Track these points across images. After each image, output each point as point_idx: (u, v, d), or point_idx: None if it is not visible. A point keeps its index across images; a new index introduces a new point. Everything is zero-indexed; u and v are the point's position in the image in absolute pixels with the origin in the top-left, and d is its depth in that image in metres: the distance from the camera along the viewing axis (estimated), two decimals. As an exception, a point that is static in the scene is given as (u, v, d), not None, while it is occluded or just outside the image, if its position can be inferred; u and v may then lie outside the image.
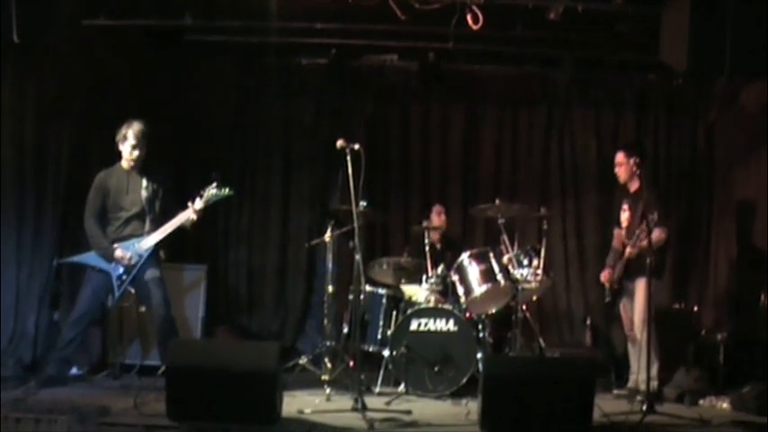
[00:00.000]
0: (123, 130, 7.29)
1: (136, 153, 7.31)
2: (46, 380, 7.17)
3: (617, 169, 7.60)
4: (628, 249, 7.31)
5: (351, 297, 7.78)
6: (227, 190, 7.36)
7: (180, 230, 7.34)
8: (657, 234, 7.18)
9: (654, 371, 7.21)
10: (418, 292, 7.94)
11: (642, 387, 7.21)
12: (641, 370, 7.28)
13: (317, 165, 9.52)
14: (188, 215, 7.26)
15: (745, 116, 8.76)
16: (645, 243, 7.08)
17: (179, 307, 8.04)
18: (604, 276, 7.70)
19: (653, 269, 7.14)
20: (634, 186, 7.55)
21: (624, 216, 7.59)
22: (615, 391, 7.50)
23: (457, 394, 7.26)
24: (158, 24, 8.15)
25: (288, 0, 7.49)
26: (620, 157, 7.59)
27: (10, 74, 7.84)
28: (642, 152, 7.71)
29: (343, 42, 8.83)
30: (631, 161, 7.50)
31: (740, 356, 7.80)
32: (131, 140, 7.28)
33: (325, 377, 7.43)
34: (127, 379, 7.59)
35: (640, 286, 7.29)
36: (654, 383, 7.19)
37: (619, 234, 7.76)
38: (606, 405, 6.81)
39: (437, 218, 8.70)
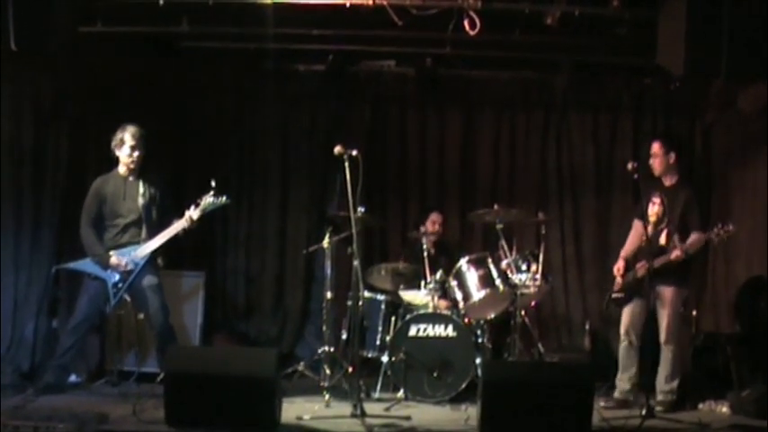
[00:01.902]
0: (119, 135, 7.30)
1: (136, 154, 7.31)
2: (44, 387, 7.18)
3: (651, 160, 7.37)
4: (676, 252, 7.03)
5: (349, 303, 7.77)
6: (223, 198, 7.37)
7: (176, 237, 7.33)
8: (698, 238, 7.10)
9: (675, 384, 7.15)
10: (418, 297, 7.94)
11: (630, 397, 7.23)
12: (631, 377, 7.28)
13: (315, 171, 9.50)
14: (184, 223, 7.26)
15: (743, 119, 8.76)
16: (693, 243, 7.03)
17: (177, 314, 8.03)
18: (618, 268, 7.51)
19: (684, 277, 7.21)
20: (671, 180, 7.37)
21: (653, 210, 7.33)
22: (602, 403, 7.10)
23: (456, 400, 7.26)
24: (155, 31, 8.14)
25: (285, 6, 7.48)
26: (655, 147, 7.37)
27: (7, 81, 7.85)
28: (678, 148, 7.49)
29: (341, 48, 8.82)
30: (668, 154, 7.31)
31: (739, 360, 7.78)
32: (130, 142, 7.28)
33: (324, 383, 7.42)
34: (125, 386, 7.59)
35: (670, 295, 7.15)
36: (673, 397, 7.13)
37: (640, 227, 7.40)
38: (605, 410, 6.83)
39: (431, 226, 8.68)
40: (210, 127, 9.49)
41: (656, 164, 7.37)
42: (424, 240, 8.12)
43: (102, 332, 8.07)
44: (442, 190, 9.66)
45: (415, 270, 8.09)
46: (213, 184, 7.30)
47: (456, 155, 9.70)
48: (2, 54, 6.85)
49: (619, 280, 7.49)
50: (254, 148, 9.63)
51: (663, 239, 7.17)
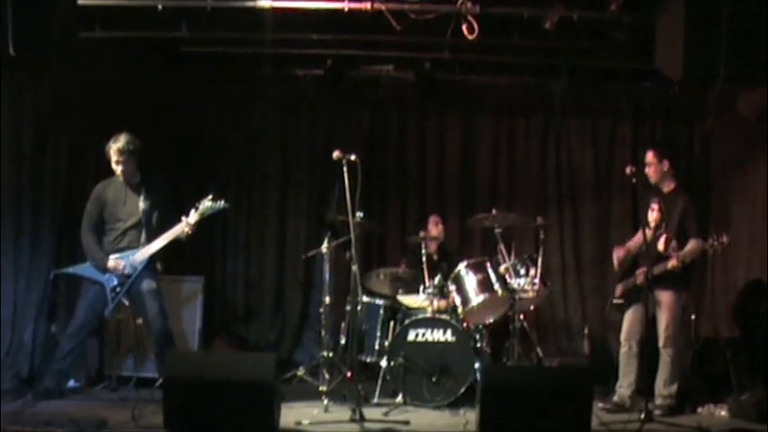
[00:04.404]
0: (107, 148, 7.31)
1: (121, 168, 7.32)
2: (43, 392, 7.18)
3: (647, 169, 7.37)
4: (672, 262, 7.03)
5: (348, 308, 7.76)
6: (222, 202, 7.38)
7: (176, 242, 7.34)
8: (695, 246, 7.09)
9: (674, 389, 7.14)
10: (417, 302, 7.94)
11: (627, 402, 7.22)
12: (631, 384, 7.27)
13: (314, 175, 9.51)
14: (182, 228, 7.26)
15: (742, 124, 8.76)
16: (690, 251, 7.02)
17: (176, 319, 8.04)
18: (617, 256, 7.53)
19: (683, 281, 7.19)
20: (669, 187, 7.38)
21: (652, 216, 7.33)
22: (600, 405, 7.15)
23: (455, 404, 7.26)
24: (154, 36, 8.14)
25: (283, 11, 7.48)
26: (649, 156, 7.39)
27: (7, 86, 7.86)
28: (671, 155, 7.50)
29: (340, 53, 8.82)
30: (662, 161, 7.32)
31: (739, 364, 7.78)
32: (114, 157, 7.30)
33: (322, 388, 7.41)
34: (124, 391, 7.61)
35: (668, 299, 7.16)
36: (672, 401, 7.12)
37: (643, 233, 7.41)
38: (604, 414, 6.84)
39: (434, 228, 8.71)
40: (209, 131, 9.50)
41: (651, 172, 7.39)
42: (423, 245, 8.12)
43: (100, 337, 8.08)
44: (441, 195, 9.66)
45: (414, 274, 8.09)
46: (211, 195, 7.34)
47: (455, 159, 9.70)
48: (1, 59, 6.86)
49: (616, 264, 7.50)
50: (254, 152, 9.64)
51: (661, 245, 7.16)
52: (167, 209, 7.50)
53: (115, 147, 7.28)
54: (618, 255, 7.58)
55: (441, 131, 9.73)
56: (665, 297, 7.16)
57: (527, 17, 7.54)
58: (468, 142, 9.73)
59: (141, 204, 7.34)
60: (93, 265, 7.27)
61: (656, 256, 7.14)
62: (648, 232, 7.21)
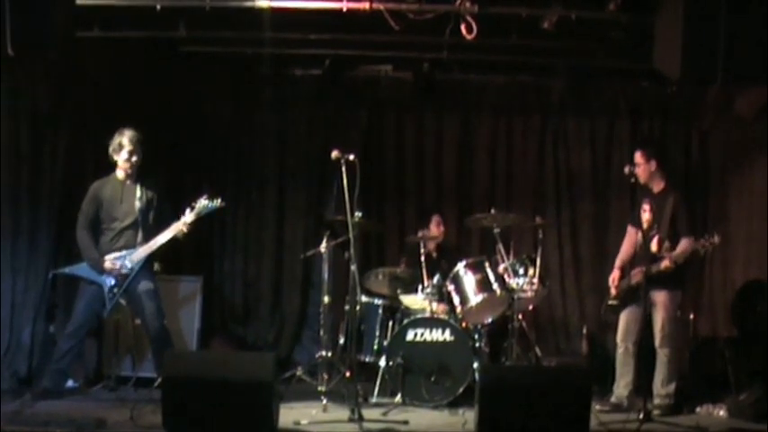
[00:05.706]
0: (117, 139, 7.30)
1: (135, 159, 7.32)
2: (42, 392, 7.17)
3: (636, 170, 7.32)
4: (665, 263, 7.04)
5: (347, 307, 7.75)
6: (218, 201, 7.37)
7: (174, 242, 7.33)
8: (686, 245, 7.10)
9: (671, 388, 7.13)
10: (416, 302, 7.94)
11: (625, 402, 7.22)
12: (628, 384, 7.27)
13: (312, 175, 9.50)
14: (179, 227, 7.25)
15: (740, 123, 8.77)
16: (682, 251, 7.03)
17: (175, 319, 8.04)
18: (613, 278, 7.50)
19: (677, 281, 7.19)
20: (658, 186, 7.39)
21: (644, 217, 7.33)
22: (598, 406, 7.07)
23: (453, 404, 7.26)
24: (153, 36, 8.14)
25: (282, 11, 7.48)
26: (637, 156, 7.38)
27: (5, 86, 7.84)
28: (659, 154, 7.51)
29: (338, 53, 8.83)
30: (649, 161, 7.32)
31: (737, 364, 7.78)
32: (128, 147, 7.29)
33: (321, 388, 7.41)
34: (123, 391, 7.58)
35: (663, 298, 7.16)
36: (670, 401, 7.11)
37: (633, 233, 7.51)
38: (603, 414, 6.83)
39: (436, 228, 8.68)
40: (208, 131, 9.50)
41: (640, 172, 7.36)
42: (422, 244, 8.11)
43: (99, 337, 8.07)
44: (439, 194, 9.66)
45: (413, 274, 8.09)
46: (206, 187, 7.34)
47: (453, 159, 9.70)
48: (0, 59, 6.86)
49: (614, 290, 7.48)
50: (252, 152, 9.63)
51: (654, 246, 7.18)
52: (163, 208, 7.50)
53: (130, 135, 7.29)
54: (614, 278, 7.53)
55: (439, 131, 9.73)
56: (659, 297, 7.17)
57: (525, 17, 7.53)
58: (467, 142, 9.72)
59: (137, 203, 7.34)
60: (90, 265, 7.26)
61: (651, 256, 7.15)
62: (641, 233, 7.23)
